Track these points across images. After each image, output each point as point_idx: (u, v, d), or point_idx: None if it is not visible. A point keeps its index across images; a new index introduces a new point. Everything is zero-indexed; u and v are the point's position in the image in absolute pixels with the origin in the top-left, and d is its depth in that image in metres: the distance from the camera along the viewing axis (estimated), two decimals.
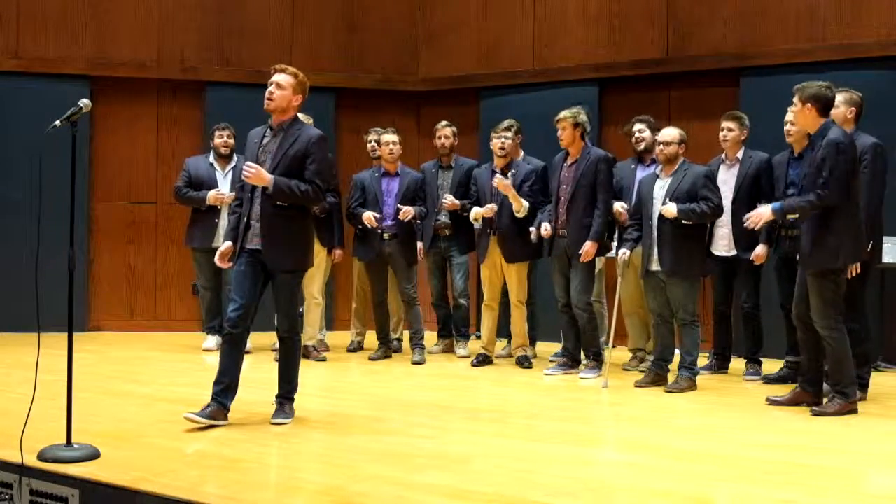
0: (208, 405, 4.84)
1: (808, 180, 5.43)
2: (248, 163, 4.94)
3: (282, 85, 4.97)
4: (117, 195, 9.34)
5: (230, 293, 5.07)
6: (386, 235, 7.46)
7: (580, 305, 6.80)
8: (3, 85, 8.91)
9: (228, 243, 5.04)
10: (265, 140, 5.06)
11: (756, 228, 5.83)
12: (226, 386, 4.88)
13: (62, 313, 4.25)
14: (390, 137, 7.55)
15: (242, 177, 4.95)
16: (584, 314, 6.81)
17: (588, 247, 6.67)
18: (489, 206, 7.16)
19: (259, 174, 4.88)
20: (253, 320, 5.00)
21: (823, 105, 5.44)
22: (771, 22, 8.06)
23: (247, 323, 4.95)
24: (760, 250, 6.48)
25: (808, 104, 5.43)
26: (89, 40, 9.17)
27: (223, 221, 7.66)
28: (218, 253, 5.06)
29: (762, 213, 5.61)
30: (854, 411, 5.36)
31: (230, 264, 5.06)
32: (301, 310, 7.78)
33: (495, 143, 7.20)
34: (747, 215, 5.74)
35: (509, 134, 7.18)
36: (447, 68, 9.63)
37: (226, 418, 4.87)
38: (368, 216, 7.42)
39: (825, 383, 5.58)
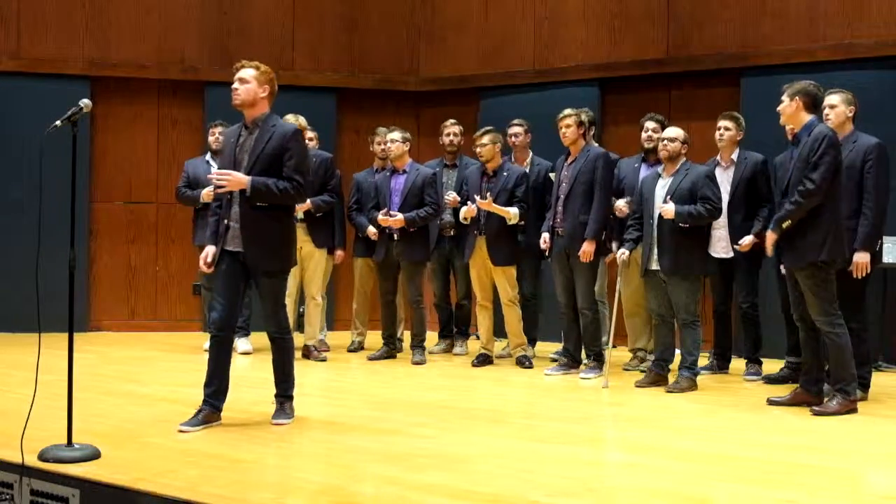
0: (200, 410, 4.84)
1: (797, 176, 5.40)
2: (221, 171, 4.85)
3: (244, 79, 4.86)
4: (117, 195, 9.34)
5: (213, 296, 5.04)
6: (395, 235, 7.39)
7: (585, 306, 6.79)
8: (3, 85, 8.90)
9: (212, 247, 4.95)
10: (241, 138, 4.95)
11: (768, 248, 5.65)
12: (216, 388, 4.87)
13: (62, 313, 4.25)
14: (390, 136, 7.54)
15: (215, 187, 4.86)
16: (588, 314, 6.80)
17: (585, 246, 6.67)
18: (469, 205, 7.16)
19: (235, 179, 4.78)
20: (237, 321, 4.97)
21: (812, 101, 5.46)
22: (771, 22, 8.06)
23: (232, 324, 4.92)
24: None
25: (797, 98, 5.44)
26: (89, 40, 9.16)
27: None
28: (201, 259, 4.99)
29: (768, 237, 5.59)
30: (854, 410, 5.36)
31: (213, 269, 4.97)
32: (301, 310, 7.83)
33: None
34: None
35: (485, 140, 7.13)
36: (447, 68, 9.63)
37: (219, 419, 4.88)
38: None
39: (826, 384, 5.57)
